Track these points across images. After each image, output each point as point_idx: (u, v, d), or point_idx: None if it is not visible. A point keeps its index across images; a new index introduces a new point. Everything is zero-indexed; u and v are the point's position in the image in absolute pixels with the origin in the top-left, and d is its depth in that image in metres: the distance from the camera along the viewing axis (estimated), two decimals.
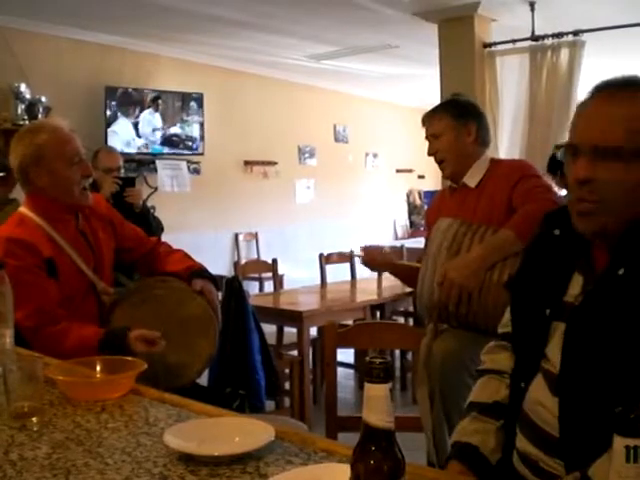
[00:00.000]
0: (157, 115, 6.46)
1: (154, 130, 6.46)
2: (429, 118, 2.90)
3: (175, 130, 6.60)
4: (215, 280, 2.58)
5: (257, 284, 6.84)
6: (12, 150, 2.40)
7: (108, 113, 6.11)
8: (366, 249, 3.19)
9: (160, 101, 6.46)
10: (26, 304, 2.08)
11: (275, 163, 7.94)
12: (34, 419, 1.50)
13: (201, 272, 2.55)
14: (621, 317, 1.28)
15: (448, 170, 2.86)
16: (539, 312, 1.46)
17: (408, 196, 10.23)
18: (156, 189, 6.42)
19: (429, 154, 2.90)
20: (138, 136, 6.34)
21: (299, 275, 6.90)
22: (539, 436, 1.40)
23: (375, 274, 5.70)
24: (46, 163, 2.34)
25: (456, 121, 2.82)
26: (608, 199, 1.33)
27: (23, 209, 2.41)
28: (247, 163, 7.68)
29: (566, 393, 1.35)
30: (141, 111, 6.35)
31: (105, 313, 2.40)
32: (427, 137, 2.90)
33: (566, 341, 1.37)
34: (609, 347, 1.29)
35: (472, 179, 2.80)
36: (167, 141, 6.56)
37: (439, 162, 2.88)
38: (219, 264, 6.82)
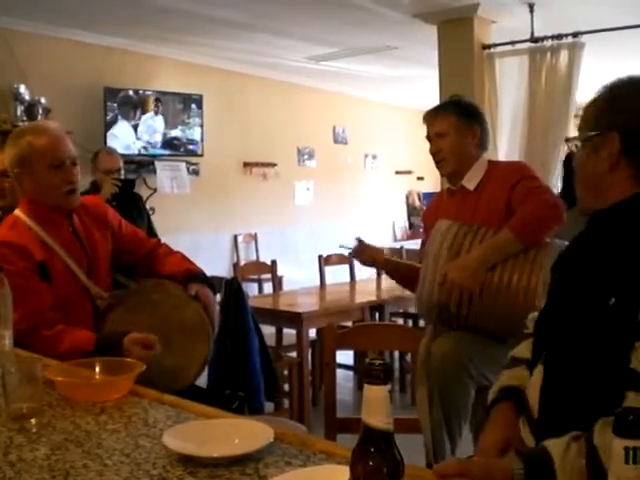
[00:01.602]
0: (158, 117, 6.46)
1: (154, 132, 6.46)
2: (433, 117, 2.88)
3: (175, 132, 6.60)
4: (212, 284, 2.56)
5: (256, 285, 6.84)
6: (5, 151, 2.41)
7: (108, 115, 6.11)
8: (358, 244, 3.13)
9: (160, 103, 6.46)
10: (18, 308, 2.06)
11: (274, 164, 7.94)
12: (33, 420, 1.50)
13: (198, 276, 2.54)
14: (582, 292, 1.35)
15: (447, 169, 2.85)
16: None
17: (407, 197, 10.23)
18: (155, 190, 6.42)
19: (431, 152, 2.87)
20: (138, 138, 6.34)
21: (298, 276, 6.90)
22: (530, 420, 1.42)
23: (374, 275, 5.71)
24: (28, 165, 2.35)
25: (461, 122, 2.81)
26: (577, 183, 1.51)
27: (17, 212, 2.41)
28: (246, 164, 7.69)
29: (550, 363, 1.39)
30: (142, 113, 6.36)
31: (99, 317, 2.40)
32: (429, 136, 2.88)
33: (551, 294, 1.46)
34: (577, 323, 1.33)
35: (471, 182, 2.79)
36: (167, 143, 6.56)
37: (438, 161, 2.86)
38: (218, 265, 6.82)
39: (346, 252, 3.19)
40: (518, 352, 1.64)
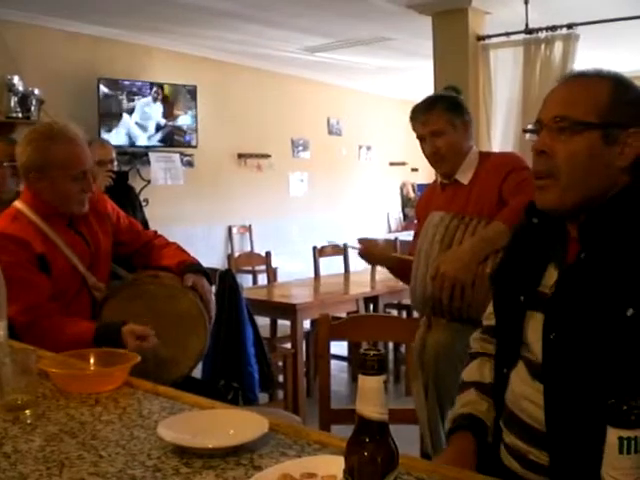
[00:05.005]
0: (151, 108, 6.43)
1: (148, 122, 6.43)
2: (426, 115, 2.74)
3: (169, 122, 6.57)
4: (208, 275, 2.57)
5: (250, 277, 6.84)
6: (21, 147, 2.37)
7: (101, 105, 6.08)
8: (363, 241, 3.10)
9: (154, 93, 6.44)
10: (17, 300, 2.07)
11: (269, 156, 7.92)
12: (28, 412, 1.50)
13: (194, 267, 2.54)
14: (591, 303, 1.31)
15: (445, 168, 2.75)
16: (515, 301, 1.48)
17: (401, 189, 10.23)
18: (149, 182, 6.40)
19: (428, 153, 2.75)
20: (131, 129, 6.32)
21: (293, 268, 6.90)
22: (525, 431, 1.41)
23: (369, 267, 5.71)
24: (49, 172, 2.32)
25: (455, 116, 2.72)
26: (562, 172, 1.37)
27: (18, 203, 2.39)
28: (241, 156, 7.67)
29: (550, 381, 1.37)
30: (135, 104, 6.32)
31: (97, 308, 2.40)
32: (422, 135, 2.75)
33: (545, 333, 1.39)
34: (587, 334, 1.31)
35: (464, 175, 2.73)
36: (161, 134, 6.54)
37: (436, 161, 2.75)
38: (212, 257, 6.81)
39: (355, 252, 3.13)
40: (467, 375, 1.66)
